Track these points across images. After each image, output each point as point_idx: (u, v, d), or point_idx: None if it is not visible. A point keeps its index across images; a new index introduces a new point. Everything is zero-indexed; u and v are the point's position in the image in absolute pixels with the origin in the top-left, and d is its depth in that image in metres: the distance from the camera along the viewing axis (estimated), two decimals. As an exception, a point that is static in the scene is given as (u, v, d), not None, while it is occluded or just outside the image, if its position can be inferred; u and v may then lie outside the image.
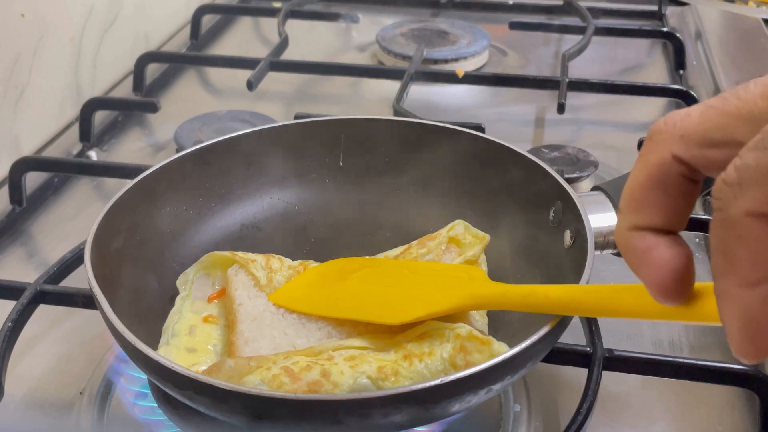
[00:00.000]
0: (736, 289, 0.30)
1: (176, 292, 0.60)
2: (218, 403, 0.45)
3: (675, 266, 0.34)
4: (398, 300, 0.54)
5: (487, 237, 0.61)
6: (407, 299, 0.54)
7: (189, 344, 0.56)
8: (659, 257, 0.34)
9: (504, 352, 0.46)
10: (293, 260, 0.62)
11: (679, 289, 0.34)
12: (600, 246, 0.57)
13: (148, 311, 0.58)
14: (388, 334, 0.53)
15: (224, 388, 0.44)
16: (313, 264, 0.61)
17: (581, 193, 0.59)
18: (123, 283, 0.57)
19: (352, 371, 0.48)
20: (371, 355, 0.50)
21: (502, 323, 0.57)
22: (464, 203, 0.66)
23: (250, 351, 0.53)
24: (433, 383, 0.44)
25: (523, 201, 0.62)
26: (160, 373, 0.47)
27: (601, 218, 0.57)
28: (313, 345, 0.52)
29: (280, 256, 0.61)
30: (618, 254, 0.57)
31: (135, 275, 0.59)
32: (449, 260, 0.60)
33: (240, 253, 0.60)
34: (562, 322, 0.48)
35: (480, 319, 0.56)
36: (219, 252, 0.61)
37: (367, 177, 0.70)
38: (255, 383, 0.48)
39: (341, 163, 0.70)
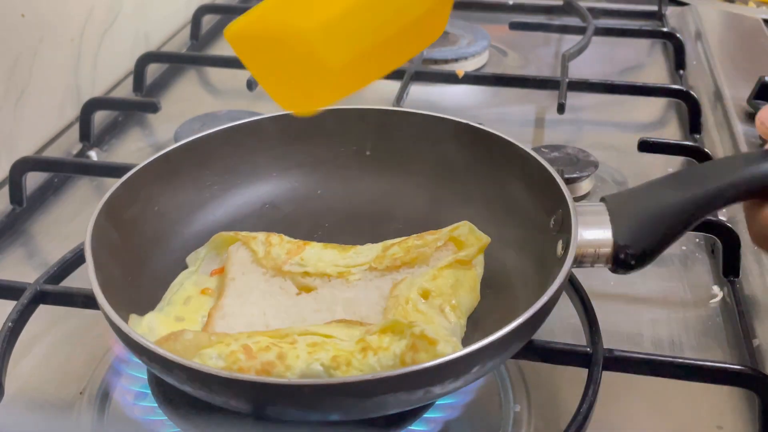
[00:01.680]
0: None
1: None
2: (166, 372, 0.47)
3: None
4: None
5: (487, 240, 0.61)
6: None
7: (180, 313, 0.57)
8: None
9: (447, 354, 0.46)
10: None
11: None
12: (591, 259, 0.55)
13: (154, 279, 0.60)
14: (357, 326, 0.54)
15: (169, 358, 0.46)
16: (314, 243, 0.63)
17: (584, 203, 0.57)
18: (131, 250, 0.59)
19: (308, 357, 0.49)
20: (332, 344, 0.51)
21: (477, 326, 0.57)
22: (478, 204, 0.66)
23: (224, 326, 0.55)
24: (361, 377, 0.45)
25: (531, 206, 0.62)
26: (121, 337, 0.49)
27: (595, 232, 0.55)
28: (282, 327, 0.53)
29: (281, 234, 0.63)
30: (613, 270, 0.55)
31: (145, 245, 0.61)
32: (442, 257, 0.60)
33: (243, 233, 0.62)
34: (517, 331, 0.47)
35: (454, 321, 0.56)
36: (225, 233, 0.63)
37: (391, 168, 0.70)
38: (212, 357, 0.49)
39: (368, 152, 0.71)
